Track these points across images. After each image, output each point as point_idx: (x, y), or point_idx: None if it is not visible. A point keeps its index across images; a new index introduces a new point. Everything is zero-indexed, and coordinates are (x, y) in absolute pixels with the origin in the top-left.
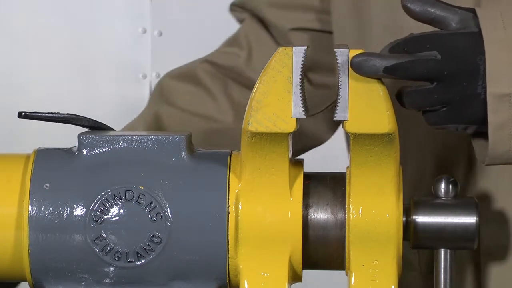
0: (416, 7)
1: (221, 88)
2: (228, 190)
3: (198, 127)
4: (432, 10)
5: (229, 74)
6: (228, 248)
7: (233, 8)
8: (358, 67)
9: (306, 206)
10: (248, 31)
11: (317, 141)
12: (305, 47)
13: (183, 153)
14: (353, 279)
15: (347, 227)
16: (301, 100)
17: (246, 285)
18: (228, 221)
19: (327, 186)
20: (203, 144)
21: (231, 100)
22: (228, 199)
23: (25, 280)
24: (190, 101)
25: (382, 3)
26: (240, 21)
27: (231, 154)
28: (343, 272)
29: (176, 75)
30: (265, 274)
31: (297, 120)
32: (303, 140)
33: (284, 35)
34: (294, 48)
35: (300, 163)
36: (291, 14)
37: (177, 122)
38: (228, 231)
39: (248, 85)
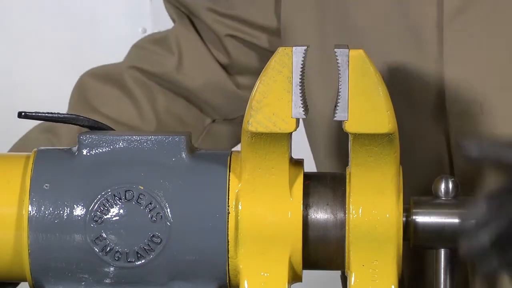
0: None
1: (146, 95)
2: (228, 190)
3: None
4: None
5: (157, 80)
6: (228, 248)
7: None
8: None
9: (306, 206)
10: (179, 34)
11: None
12: (305, 47)
13: (183, 153)
14: (353, 279)
15: (347, 227)
16: (301, 100)
17: (246, 285)
18: (228, 221)
19: (327, 186)
20: None
21: (155, 109)
22: (228, 199)
23: (25, 280)
24: (115, 108)
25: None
26: (173, 19)
27: (231, 154)
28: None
29: (100, 75)
30: (265, 274)
31: (297, 120)
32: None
33: (219, 40)
34: (294, 48)
35: (300, 163)
36: (233, 24)
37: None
38: (228, 231)
39: (177, 91)
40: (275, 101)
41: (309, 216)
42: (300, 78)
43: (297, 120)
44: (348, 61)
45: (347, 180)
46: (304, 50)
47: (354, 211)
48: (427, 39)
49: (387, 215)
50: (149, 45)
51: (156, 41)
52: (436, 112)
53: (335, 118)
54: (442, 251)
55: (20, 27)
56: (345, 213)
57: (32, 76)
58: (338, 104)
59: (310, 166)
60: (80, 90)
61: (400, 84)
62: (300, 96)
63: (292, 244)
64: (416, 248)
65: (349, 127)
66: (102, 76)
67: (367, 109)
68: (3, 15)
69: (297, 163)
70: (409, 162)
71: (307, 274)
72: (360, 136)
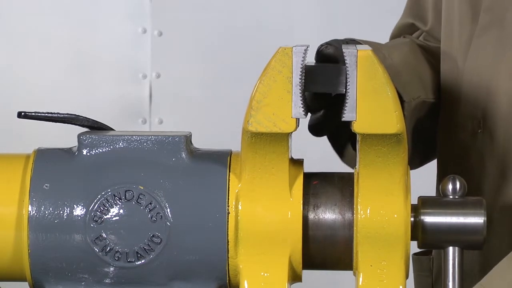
0: None
1: None
2: (228, 190)
3: None
4: None
5: None
6: (228, 248)
7: None
8: None
9: (314, 206)
10: None
11: None
12: (305, 47)
13: (183, 153)
14: (361, 279)
15: (355, 228)
16: (301, 100)
17: (246, 285)
18: (228, 221)
19: (335, 187)
20: None
21: None
22: (228, 199)
23: (25, 280)
24: None
25: None
26: None
27: (231, 154)
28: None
29: None
30: (265, 274)
31: (297, 120)
32: None
33: None
34: (294, 48)
35: (300, 163)
36: None
37: None
38: (228, 231)
39: None
40: (275, 101)
41: (316, 216)
42: (300, 78)
43: (297, 120)
44: (357, 62)
45: (355, 181)
46: (304, 50)
47: (362, 211)
48: None
49: (395, 215)
50: None
51: None
52: None
53: (343, 119)
54: (450, 250)
55: (21, 27)
56: (353, 213)
57: (32, 76)
58: (346, 104)
59: (310, 166)
60: None
61: None
62: (300, 96)
63: (292, 244)
64: (424, 247)
65: (357, 128)
66: None
67: (375, 109)
68: (3, 15)
69: (297, 163)
70: None
71: (307, 274)
72: (369, 136)
